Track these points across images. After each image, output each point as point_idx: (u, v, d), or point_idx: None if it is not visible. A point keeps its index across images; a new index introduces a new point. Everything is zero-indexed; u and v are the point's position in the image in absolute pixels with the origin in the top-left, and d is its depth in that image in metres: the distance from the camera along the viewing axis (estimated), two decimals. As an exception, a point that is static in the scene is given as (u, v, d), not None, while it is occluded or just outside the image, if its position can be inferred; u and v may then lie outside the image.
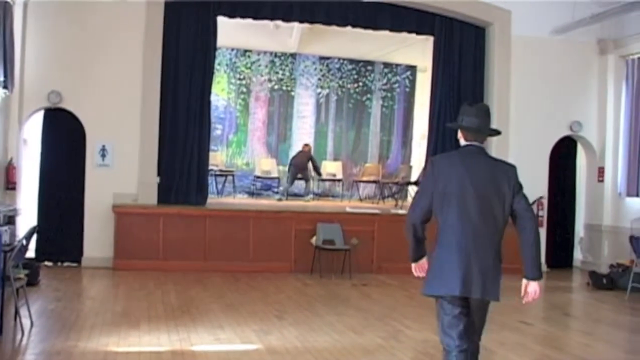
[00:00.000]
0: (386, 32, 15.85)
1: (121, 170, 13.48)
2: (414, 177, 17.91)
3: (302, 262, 13.56)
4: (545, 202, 15.56)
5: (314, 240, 13.45)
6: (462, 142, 5.10)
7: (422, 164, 18.18)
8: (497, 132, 5.30)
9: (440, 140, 15.42)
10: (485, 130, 5.10)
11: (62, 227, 13.56)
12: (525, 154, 15.10)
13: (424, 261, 5.12)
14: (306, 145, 17.97)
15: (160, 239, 13.21)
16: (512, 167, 5.08)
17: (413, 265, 5.18)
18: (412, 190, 16.81)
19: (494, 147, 14.82)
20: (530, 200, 12.56)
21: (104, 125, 13.44)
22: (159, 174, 13.82)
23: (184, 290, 11.40)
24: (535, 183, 15.11)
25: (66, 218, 13.59)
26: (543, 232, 15.16)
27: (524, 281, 5.00)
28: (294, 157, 17.87)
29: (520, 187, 5.01)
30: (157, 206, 13.53)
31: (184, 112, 14.00)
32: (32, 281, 10.79)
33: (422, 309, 10.04)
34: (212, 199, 15.74)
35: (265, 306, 10.36)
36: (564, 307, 12.17)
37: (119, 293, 11.08)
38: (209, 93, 14.41)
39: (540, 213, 15.41)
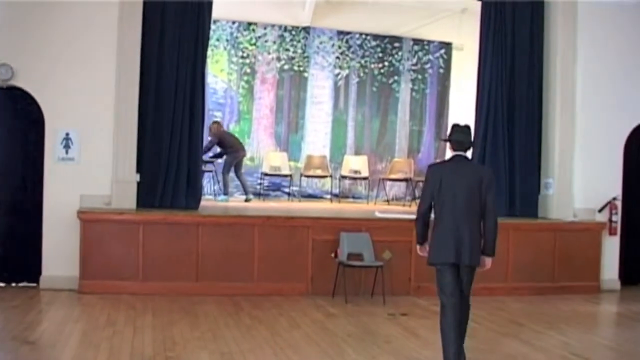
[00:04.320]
0: (421, -3, 13.26)
1: (90, 165, 11.08)
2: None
3: (322, 282, 11.08)
4: (619, 204, 12.85)
5: (336, 254, 10.99)
6: (451, 152, 7.15)
7: None
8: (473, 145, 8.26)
9: (491, 131, 12.81)
10: (468, 143, 7.12)
11: (15, 237, 11.08)
12: (594, 146, 12.86)
13: (426, 244, 7.05)
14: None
15: (139, 254, 10.71)
16: (489, 170, 7.41)
17: (419, 246, 7.17)
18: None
19: (557, 140, 12.74)
20: (602, 202, 12.52)
21: (69, 108, 11.01)
22: (139, 171, 11.38)
23: (165, 326, 8.64)
24: (606, 181, 12.91)
25: (21, 226, 11.09)
26: (617, 241, 12.79)
27: (482, 256, 6.87)
28: (227, 140, 15.50)
29: (492, 185, 6.95)
30: (137, 211, 11.11)
31: (171, 95, 11.58)
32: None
33: (487, 353, 7.46)
34: (207, 202, 13.62)
35: (275, 354, 7.55)
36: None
37: (74, 333, 8.17)
38: (203, 72, 12.06)
39: (614, 218, 12.75)
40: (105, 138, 11.09)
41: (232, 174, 15.37)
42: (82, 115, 11.00)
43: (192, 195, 11.80)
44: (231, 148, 15.27)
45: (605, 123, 12.87)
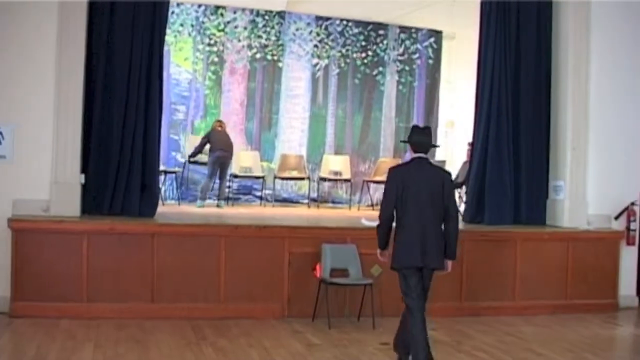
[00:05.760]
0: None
1: (25, 164, 9.80)
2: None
3: (300, 302, 9.83)
4: (637, 209, 11.62)
5: (317, 269, 9.68)
6: (412, 153, 7.23)
7: (452, 157, 16.28)
8: (436, 146, 8.98)
9: (494, 128, 11.51)
10: (429, 145, 7.29)
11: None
12: (609, 145, 11.73)
13: (388, 249, 7.21)
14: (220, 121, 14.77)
15: (83, 270, 9.34)
16: (448, 173, 7.46)
17: (380, 251, 7.30)
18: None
19: (569, 138, 11.62)
20: (619, 208, 11.50)
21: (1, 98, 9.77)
22: (84, 171, 10.09)
23: (108, 362, 7.09)
24: (623, 184, 11.71)
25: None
26: (634, 251, 11.55)
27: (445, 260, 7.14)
28: (215, 136, 14.33)
29: (452, 188, 7.43)
30: (80, 219, 9.77)
31: (123, 85, 10.33)
32: None
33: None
34: (167, 207, 12.70)
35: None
36: None
37: (-11, 374, 6.63)
38: (160, 60, 10.73)
39: (632, 226, 11.47)
40: (43, 133, 9.85)
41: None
42: (15, 107, 9.79)
43: (147, 201, 10.46)
44: (211, 145, 14.24)
45: (622, 119, 11.80)
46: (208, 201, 14.09)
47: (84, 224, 9.55)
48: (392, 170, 7.28)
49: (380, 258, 7.34)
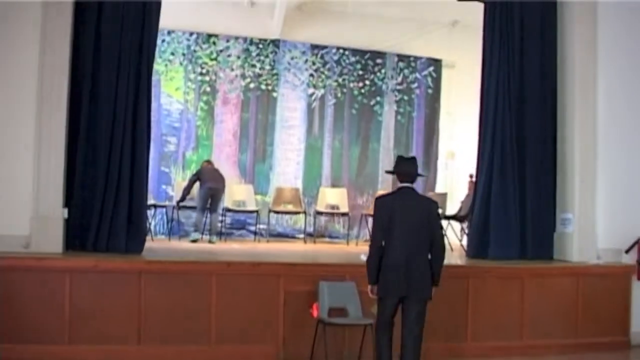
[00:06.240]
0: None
1: (3, 197, 9.47)
2: (450, 208, 14.14)
3: (296, 344, 9.38)
4: None
5: (314, 309, 9.23)
6: (398, 183, 7.55)
7: (452, 189, 16.03)
8: (423, 175, 9.22)
9: (498, 158, 11.14)
10: (415, 174, 7.57)
11: None
12: (618, 177, 11.37)
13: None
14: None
15: (66, 310, 8.93)
16: (435, 203, 7.66)
17: (371, 287, 7.41)
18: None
19: (577, 169, 11.23)
20: (629, 241, 10.98)
21: (-24, 127, 9.53)
22: (66, 205, 9.74)
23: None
24: (633, 217, 11.28)
25: None
26: None
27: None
28: (204, 173, 14.00)
29: (438, 218, 7.56)
30: (63, 256, 9.39)
31: (109, 115, 10.04)
32: None
33: None
34: (156, 243, 12.34)
35: None
36: None
37: None
38: (148, 88, 10.43)
39: None
40: (23, 164, 9.56)
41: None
42: (-7, 135, 9.51)
43: (134, 236, 10.08)
44: (201, 181, 13.87)
45: (631, 150, 11.49)
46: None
47: (67, 261, 9.18)
48: (379, 200, 7.61)
49: (371, 295, 7.43)
